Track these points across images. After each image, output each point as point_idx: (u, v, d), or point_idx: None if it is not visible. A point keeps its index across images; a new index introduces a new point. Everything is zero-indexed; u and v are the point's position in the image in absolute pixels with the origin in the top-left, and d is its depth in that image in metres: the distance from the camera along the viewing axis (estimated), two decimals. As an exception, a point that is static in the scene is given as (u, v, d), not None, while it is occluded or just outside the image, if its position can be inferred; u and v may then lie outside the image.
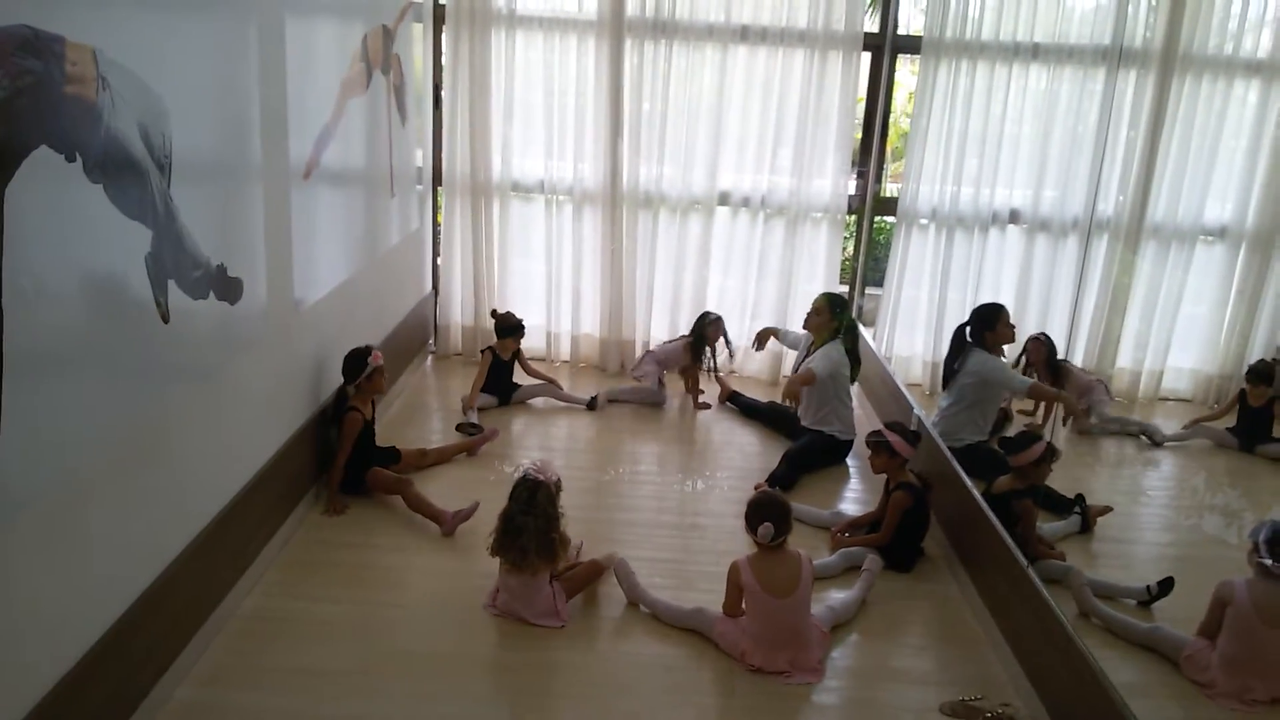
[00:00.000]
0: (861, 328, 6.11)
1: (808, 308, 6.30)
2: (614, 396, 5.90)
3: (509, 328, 5.71)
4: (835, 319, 5.28)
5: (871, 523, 4.34)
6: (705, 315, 5.98)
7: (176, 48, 2.92)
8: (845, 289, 6.63)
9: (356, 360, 4.44)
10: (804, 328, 5.54)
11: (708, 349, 5.92)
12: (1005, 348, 4.80)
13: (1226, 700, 2.95)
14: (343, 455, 4.37)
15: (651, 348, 6.26)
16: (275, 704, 3.07)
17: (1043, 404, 4.83)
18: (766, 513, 3.47)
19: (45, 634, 2.46)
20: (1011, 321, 4.79)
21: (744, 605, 3.50)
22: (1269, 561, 2.95)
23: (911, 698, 3.32)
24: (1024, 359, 5.03)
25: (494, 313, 5.89)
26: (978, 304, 5.06)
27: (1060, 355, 5.39)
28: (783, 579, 3.42)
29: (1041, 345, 4.89)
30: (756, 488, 4.67)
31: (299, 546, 4.02)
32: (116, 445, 2.72)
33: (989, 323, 4.71)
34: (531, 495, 3.52)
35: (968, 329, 4.77)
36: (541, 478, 3.58)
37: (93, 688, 2.63)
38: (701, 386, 6.03)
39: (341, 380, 4.49)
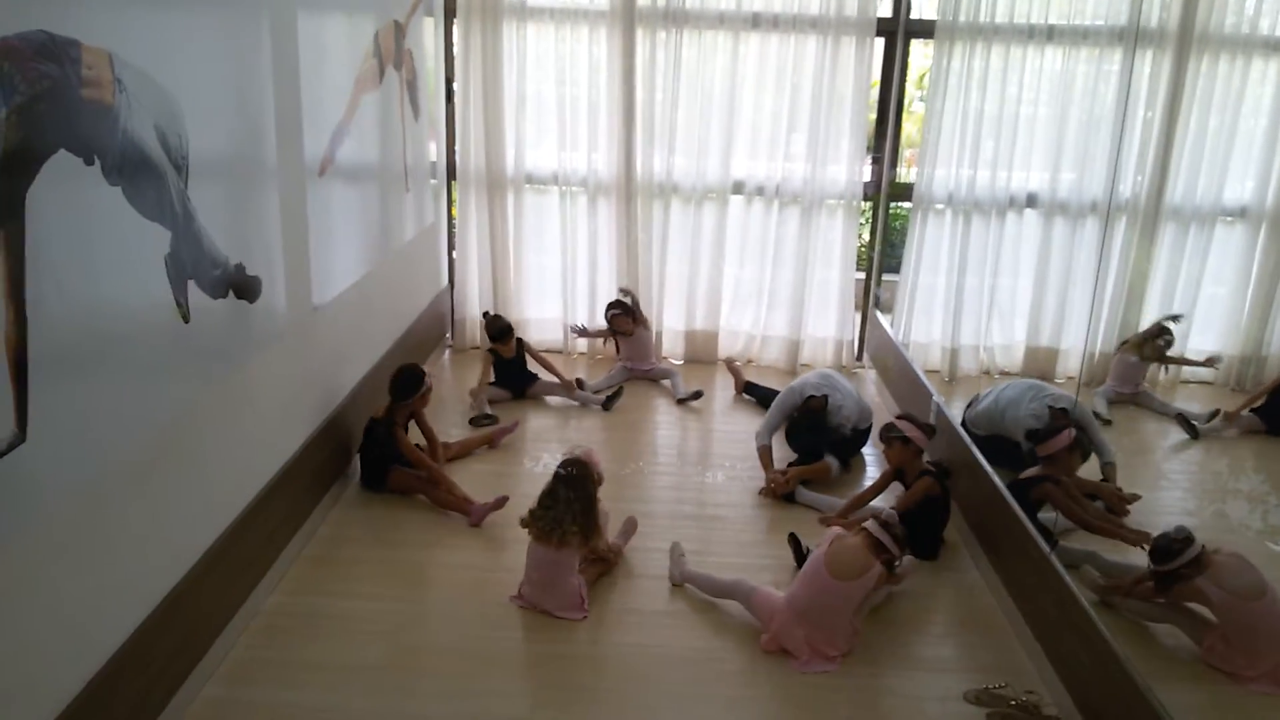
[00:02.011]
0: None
1: (824, 296, 6.33)
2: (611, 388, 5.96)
3: (497, 332, 5.65)
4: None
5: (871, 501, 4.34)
6: (608, 306, 6.10)
7: (191, 49, 2.92)
8: (861, 275, 6.61)
9: (410, 379, 4.50)
10: None
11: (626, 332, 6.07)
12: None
13: (1260, 685, 2.93)
14: (422, 464, 4.45)
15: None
16: (300, 701, 3.10)
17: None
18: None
19: (73, 635, 2.48)
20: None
21: (800, 572, 3.58)
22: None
23: (935, 685, 3.32)
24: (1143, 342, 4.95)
25: (485, 314, 5.88)
26: (1002, 290, 4.80)
27: (1085, 339, 5.34)
28: (849, 567, 3.44)
29: (1163, 345, 4.84)
30: (762, 492, 4.67)
31: (322, 543, 4.04)
32: (139, 446, 2.73)
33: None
34: (581, 473, 3.65)
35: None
36: (589, 461, 3.71)
37: (120, 687, 2.65)
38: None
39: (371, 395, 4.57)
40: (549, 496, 3.66)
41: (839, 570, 3.42)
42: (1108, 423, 4.66)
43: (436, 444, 4.69)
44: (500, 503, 4.27)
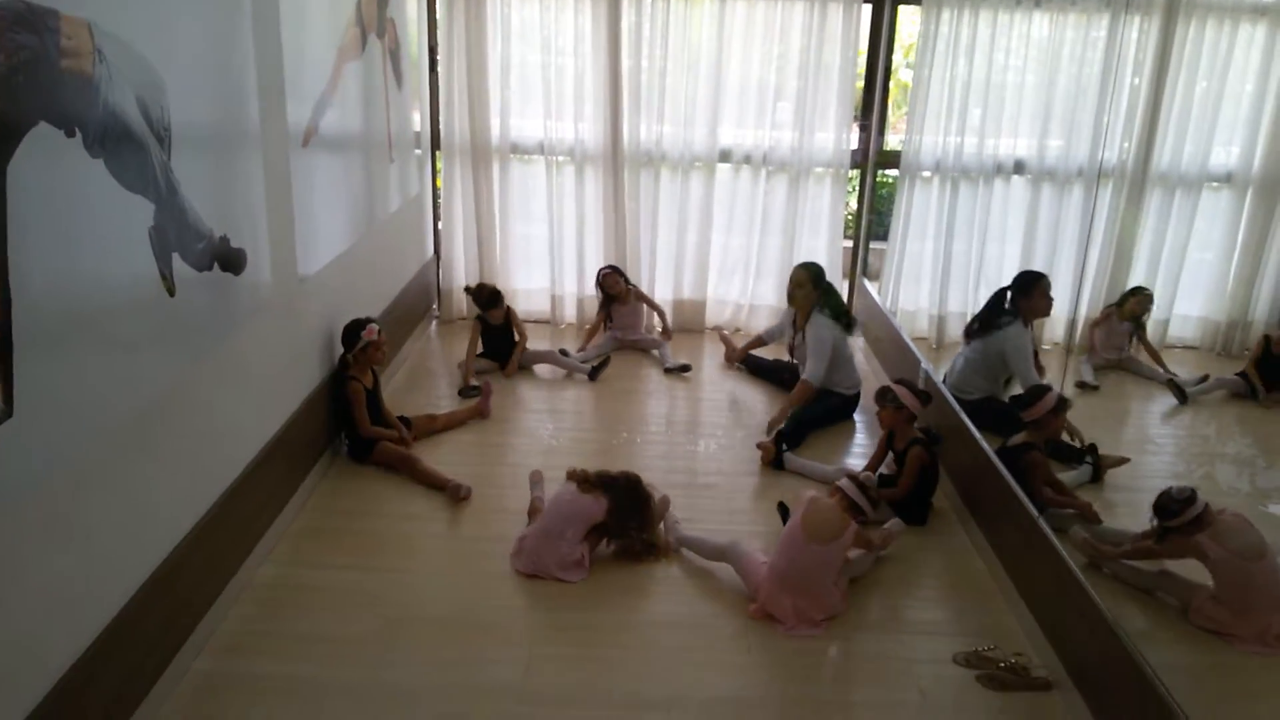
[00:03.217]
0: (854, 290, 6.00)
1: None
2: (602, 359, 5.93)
3: (485, 300, 5.62)
4: (818, 288, 5.24)
5: (875, 472, 4.35)
6: (600, 271, 6.13)
7: (172, 18, 2.88)
8: (849, 244, 6.61)
9: (352, 331, 4.46)
10: (789, 303, 5.49)
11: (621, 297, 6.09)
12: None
13: (1249, 645, 2.96)
14: (362, 420, 4.44)
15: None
16: (292, 672, 3.10)
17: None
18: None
19: (63, 611, 2.47)
20: (1051, 294, 4.69)
21: (779, 539, 3.60)
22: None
23: (925, 649, 3.35)
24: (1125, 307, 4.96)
25: (468, 289, 5.84)
26: (990, 257, 4.94)
27: (1071, 305, 5.34)
28: (825, 529, 3.47)
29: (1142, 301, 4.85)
30: (759, 446, 4.68)
31: (310, 515, 4.04)
32: (127, 420, 2.71)
33: (1026, 290, 4.61)
34: (639, 488, 3.83)
35: (1009, 294, 4.68)
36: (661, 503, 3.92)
37: (111, 662, 2.65)
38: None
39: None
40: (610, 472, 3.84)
41: (816, 533, 3.45)
42: (1095, 388, 4.69)
43: (390, 416, 4.68)
44: (465, 493, 4.23)
